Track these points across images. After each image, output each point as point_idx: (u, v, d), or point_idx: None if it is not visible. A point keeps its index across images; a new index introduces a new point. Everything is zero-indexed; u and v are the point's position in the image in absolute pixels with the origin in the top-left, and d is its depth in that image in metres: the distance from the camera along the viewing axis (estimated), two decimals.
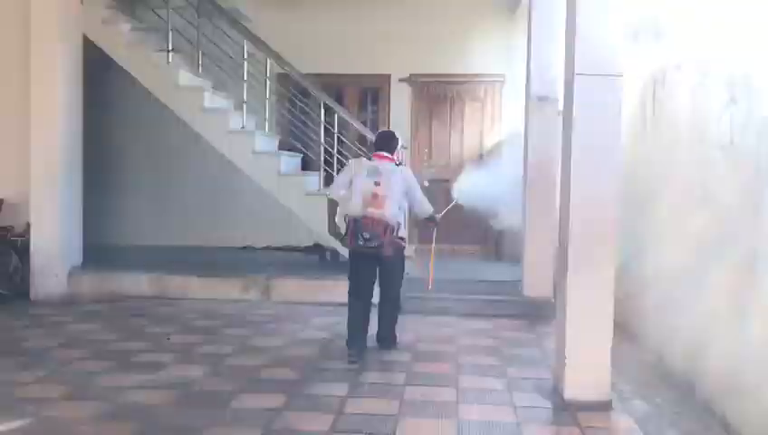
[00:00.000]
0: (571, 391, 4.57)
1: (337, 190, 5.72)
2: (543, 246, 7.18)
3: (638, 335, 5.87)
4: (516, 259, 7.97)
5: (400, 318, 6.09)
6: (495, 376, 5.15)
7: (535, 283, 7.26)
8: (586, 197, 4.55)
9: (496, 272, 8.20)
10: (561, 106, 5.11)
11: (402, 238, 5.74)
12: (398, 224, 5.58)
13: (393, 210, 5.49)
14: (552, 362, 5.15)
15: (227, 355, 5.61)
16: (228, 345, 5.89)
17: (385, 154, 5.69)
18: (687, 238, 5.03)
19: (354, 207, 5.47)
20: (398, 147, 5.88)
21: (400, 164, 5.78)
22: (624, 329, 5.74)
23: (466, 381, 5.00)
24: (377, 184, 5.45)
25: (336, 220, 5.84)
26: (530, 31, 7.32)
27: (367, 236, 5.37)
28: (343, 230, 5.63)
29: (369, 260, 5.57)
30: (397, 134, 5.96)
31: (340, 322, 6.56)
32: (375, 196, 5.43)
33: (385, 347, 5.86)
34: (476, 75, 9.73)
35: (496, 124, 9.85)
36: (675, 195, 5.36)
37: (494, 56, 9.56)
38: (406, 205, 5.84)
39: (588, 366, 4.58)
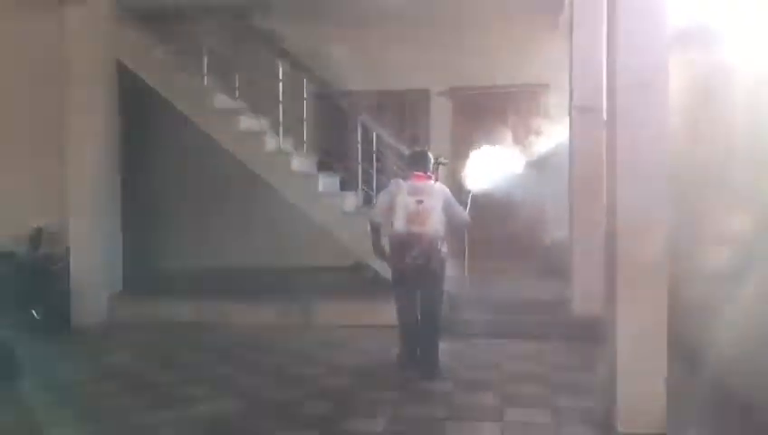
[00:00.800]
0: (624, 423, 4.29)
1: (379, 213, 5.87)
2: (592, 262, 6.83)
3: (695, 356, 5.51)
4: (565, 275, 7.65)
5: (444, 340, 5.93)
6: (542, 407, 4.87)
7: (585, 301, 6.91)
8: (633, 211, 4.30)
9: (543, 290, 7.87)
10: (605, 116, 4.86)
11: (444, 254, 5.74)
12: (442, 240, 5.66)
13: (436, 227, 5.61)
14: (603, 390, 4.84)
15: (263, 387, 5.44)
16: (265, 376, 5.74)
17: (423, 174, 5.86)
18: (742, 249, 4.70)
19: (398, 226, 5.62)
20: (431, 165, 6.03)
21: (436, 182, 5.95)
22: (679, 349, 5.39)
23: (512, 414, 4.74)
24: (419, 202, 5.61)
25: (380, 242, 5.92)
26: (572, 40, 7.08)
27: (415, 253, 5.53)
28: (387, 250, 5.81)
29: (414, 278, 5.65)
30: (429, 153, 6.09)
31: (382, 347, 6.42)
32: (418, 214, 5.58)
33: (430, 377, 5.58)
34: (518, 86, 9.46)
35: (542, 134, 9.54)
36: (730, 205, 5.03)
37: (536, 66, 9.25)
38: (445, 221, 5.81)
39: (641, 395, 4.30)
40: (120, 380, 5.67)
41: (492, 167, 9.53)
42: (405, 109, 9.80)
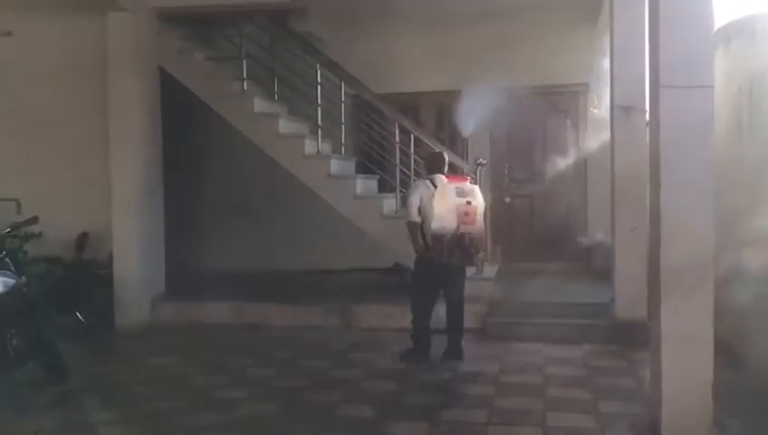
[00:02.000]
0: (669, 430, 4.20)
1: (415, 212, 6.05)
2: (636, 264, 6.72)
3: (742, 359, 5.40)
4: (607, 277, 7.55)
5: (484, 343, 6.09)
6: (586, 412, 4.81)
7: (628, 304, 6.80)
8: (678, 212, 4.21)
9: (586, 292, 7.75)
10: (648, 117, 4.78)
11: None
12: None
13: (481, 226, 6.01)
14: (648, 394, 4.77)
15: (304, 389, 5.47)
16: (305, 378, 5.77)
17: (461, 176, 6.31)
18: None
19: (448, 223, 5.82)
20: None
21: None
22: (726, 352, 5.28)
23: (554, 419, 4.69)
24: (468, 203, 5.88)
25: (421, 239, 6.05)
26: (612, 38, 6.97)
27: (471, 251, 5.92)
28: (427, 248, 5.98)
29: (445, 272, 6.02)
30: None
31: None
32: (467, 214, 5.85)
33: (458, 358, 6.10)
34: (558, 85, 9.33)
35: (581, 135, 9.44)
36: None
37: (575, 64, 9.15)
38: None
39: (687, 400, 4.21)
40: (162, 381, 5.73)
41: (529, 167, 9.51)
42: (443, 110, 9.74)
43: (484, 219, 6.22)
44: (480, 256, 6.09)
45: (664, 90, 4.19)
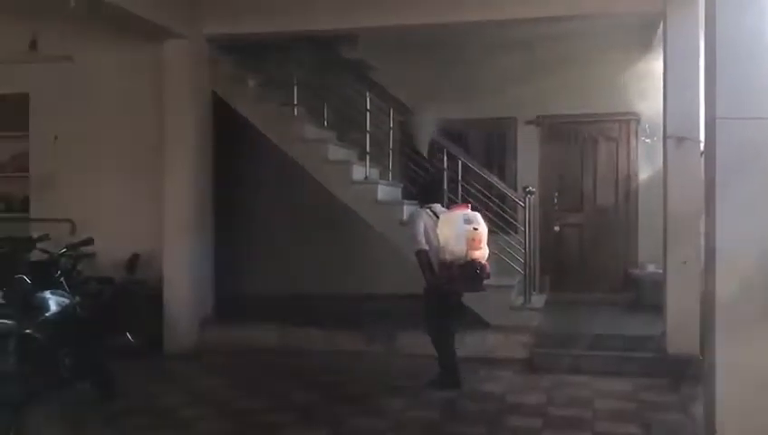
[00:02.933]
0: None
1: (422, 240, 6.14)
2: (688, 297, 6.60)
3: None
4: (658, 309, 7.40)
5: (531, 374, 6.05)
6: None
7: (679, 337, 6.66)
8: (733, 245, 4.11)
9: (635, 324, 7.60)
10: (702, 147, 4.70)
11: None
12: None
13: (486, 251, 6.03)
14: (701, 431, 4.64)
15: (349, 416, 5.45)
16: (351, 405, 5.74)
17: (463, 204, 6.40)
18: None
19: (458, 251, 5.85)
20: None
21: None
22: None
23: None
24: (475, 229, 5.91)
25: (430, 266, 6.13)
26: (666, 67, 6.92)
27: (482, 276, 5.93)
28: (439, 279, 6.04)
29: (457, 298, 6.26)
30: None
31: (468, 378, 6.36)
32: (474, 240, 5.87)
33: (456, 387, 6.13)
34: (609, 114, 9.26)
35: (633, 165, 9.32)
36: None
37: (626, 93, 9.07)
38: None
39: None
40: (209, 405, 5.78)
41: (579, 196, 9.41)
42: (492, 137, 9.73)
43: (536, 251, 6.48)
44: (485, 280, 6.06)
45: (720, 121, 4.11)
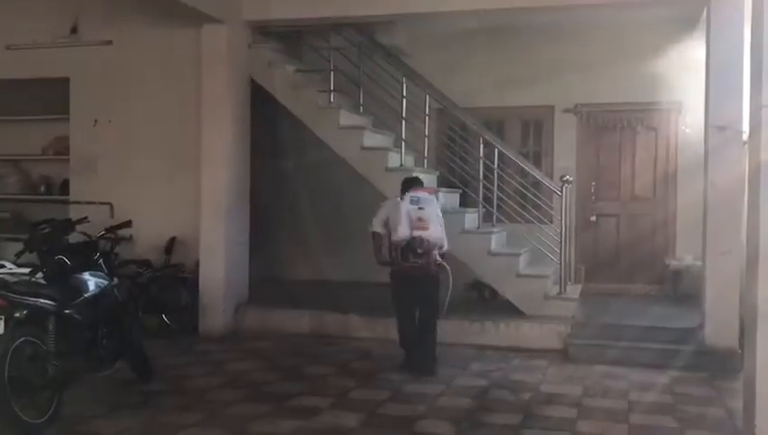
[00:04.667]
0: None
1: (378, 224, 6.53)
2: (728, 289, 6.49)
3: None
4: (696, 302, 7.30)
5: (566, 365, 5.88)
6: None
7: (718, 330, 6.56)
8: None
9: (673, 316, 7.49)
10: (745, 136, 4.61)
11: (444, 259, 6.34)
12: (443, 246, 6.29)
13: (437, 232, 6.22)
14: (740, 426, 4.57)
15: (383, 402, 5.46)
16: (384, 390, 5.75)
17: (425, 188, 6.60)
18: None
19: (403, 231, 6.16)
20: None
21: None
22: None
23: None
24: (421, 208, 6.18)
25: (381, 250, 6.53)
26: (708, 55, 6.79)
27: (420, 251, 6.12)
28: (387, 259, 6.43)
29: (415, 281, 6.23)
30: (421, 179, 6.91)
31: (501, 367, 6.41)
32: (420, 219, 6.15)
33: (430, 373, 6.16)
34: (649, 103, 9.08)
35: (672, 154, 9.16)
36: None
37: (668, 82, 8.91)
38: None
39: None
40: (243, 388, 5.82)
41: (616, 186, 9.29)
42: (529, 125, 9.63)
43: (572, 241, 6.51)
44: (436, 260, 6.17)
45: (765, 110, 4.03)
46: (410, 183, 6.63)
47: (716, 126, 6.55)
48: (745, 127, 5.42)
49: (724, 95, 6.52)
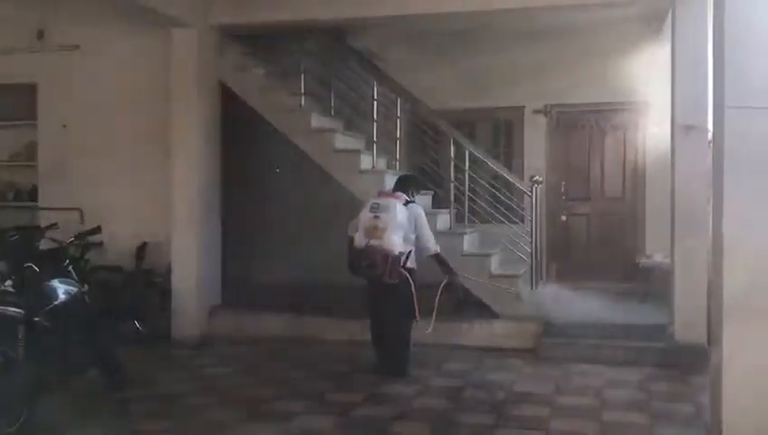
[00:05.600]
0: None
1: (352, 230, 6.39)
2: (695, 286, 6.58)
3: None
4: (665, 299, 7.40)
5: (538, 363, 5.78)
6: None
7: (687, 327, 6.64)
8: (741, 235, 4.10)
9: (643, 314, 7.59)
10: (711, 136, 4.68)
11: (409, 270, 6.17)
12: (402, 254, 6.07)
13: (393, 241, 6.03)
14: (708, 421, 4.64)
15: (358, 404, 5.48)
16: (360, 393, 5.76)
17: (391, 192, 6.48)
18: None
19: (358, 239, 6.14)
20: (415, 189, 6.71)
21: (411, 202, 6.40)
22: None
23: None
24: (376, 217, 6.10)
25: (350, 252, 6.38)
26: (673, 56, 6.88)
27: (365, 263, 6.06)
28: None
29: (377, 289, 6.18)
30: (415, 178, 7.02)
31: (478, 367, 6.42)
32: (375, 228, 6.06)
33: (395, 375, 6.19)
34: (617, 103, 9.18)
35: (641, 154, 9.27)
36: None
37: (634, 81, 9.01)
38: (413, 238, 6.29)
39: (748, 430, 4.08)
40: (217, 392, 5.81)
41: (586, 185, 9.38)
42: (499, 126, 9.70)
43: (543, 241, 6.46)
44: (391, 268, 6.00)
45: (728, 110, 4.09)
46: (397, 183, 6.61)
47: (682, 125, 6.64)
48: (710, 126, 5.51)
49: (689, 95, 6.60)
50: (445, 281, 6.55)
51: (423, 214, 6.43)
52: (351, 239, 6.37)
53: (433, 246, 6.39)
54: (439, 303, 6.46)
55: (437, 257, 6.44)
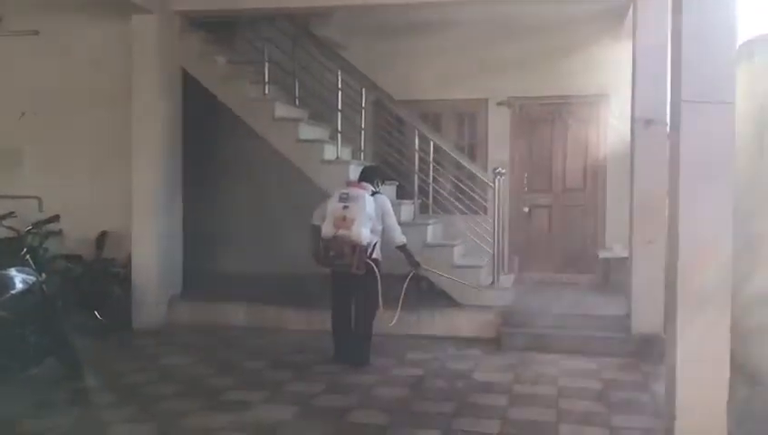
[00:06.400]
0: None
1: (316, 217, 6.40)
2: (652, 278, 6.69)
3: (757, 380, 5.35)
4: (624, 289, 7.52)
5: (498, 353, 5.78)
6: (599, 425, 4.80)
7: (644, 317, 6.77)
8: (696, 228, 4.20)
9: (602, 305, 7.70)
10: (668, 130, 4.76)
11: (375, 260, 6.17)
12: (369, 245, 6.08)
13: (361, 231, 5.99)
14: (662, 409, 4.74)
15: (317, 394, 5.49)
16: (319, 383, 5.78)
17: (357, 183, 6.41)
18: None
19: (326, 229, 6.09)
20: (380, 179, 6.79)
21: (377, 193, 6.42)
22: (744, 372, 5.24)
23: (567, 432, 4.68)
24: (345, 208, 6.06)
25: (316, 244, 6.33)
26: (635, 50, 6.96)
27: (332, 253, 6.05)
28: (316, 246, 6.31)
29: (344, 279, 6.19)
30: (380, 169, 7.12)
31: (439, 357, 6.46)
32: (344, 218, 6.03)
33: (357, 363, 6.23)
34: (579, 96, 9.27)
35: (602, 146, 9.38)
36: None
37: (596, 75, 9.11)
38: (380, 229, 6.32)
39: (701, 417, 4.19)
40: (176, 382, 5.78)
41: (548, 177, 9.47)
42: (464, 118, 9.74)
43: (506, 232, 6.51)
44: (358, 259, 6.00)
45: (685, 104, 4.17)
46: (362, 173, 6.62)
47: (641, 119, 6.74)
48: (668, 120, 5.60)
49: (648, 88, 6.69)
50: (411, 272, 6.57)
51: (390, 205, 6.44)
52: (314, 227, 6.35)
53: (399, 236, 6.41)
54: (404, 294, 6.47)
55: (403, 249, 6.46)
